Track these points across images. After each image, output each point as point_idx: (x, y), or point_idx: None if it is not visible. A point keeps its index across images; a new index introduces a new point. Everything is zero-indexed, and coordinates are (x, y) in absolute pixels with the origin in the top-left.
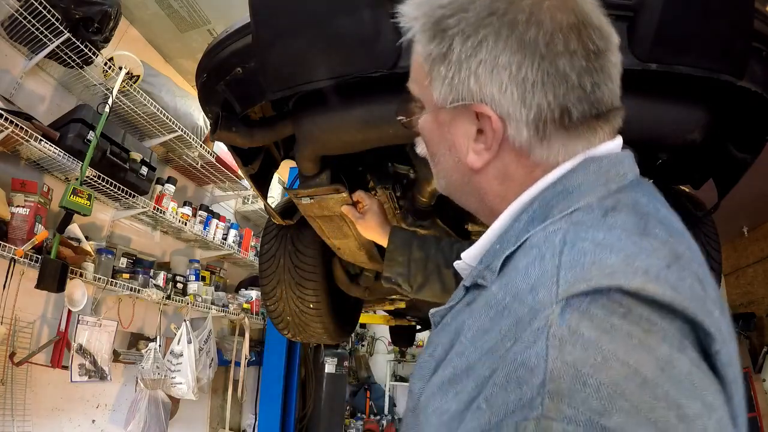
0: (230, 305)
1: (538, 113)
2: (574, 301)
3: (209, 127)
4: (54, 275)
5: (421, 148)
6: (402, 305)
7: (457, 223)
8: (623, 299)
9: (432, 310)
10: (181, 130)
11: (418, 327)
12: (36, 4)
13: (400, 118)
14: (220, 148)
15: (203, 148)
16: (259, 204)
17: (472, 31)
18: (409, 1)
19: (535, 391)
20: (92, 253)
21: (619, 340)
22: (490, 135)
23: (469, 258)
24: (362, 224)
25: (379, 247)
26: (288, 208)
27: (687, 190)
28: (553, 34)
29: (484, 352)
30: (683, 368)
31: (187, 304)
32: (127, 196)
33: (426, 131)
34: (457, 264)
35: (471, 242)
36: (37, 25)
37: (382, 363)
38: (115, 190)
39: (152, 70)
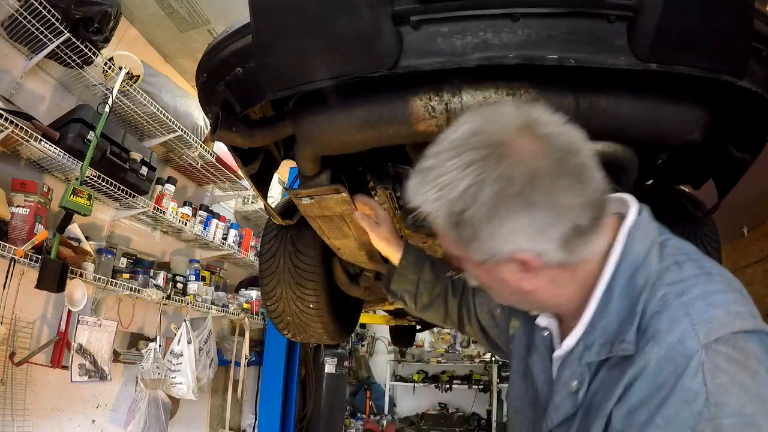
0: (230, 305)
1: (560, 240)
2: (711, 345)
3: (209, 127)
4: (54, 275)
5: (474, 282)
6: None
7: None
8: (733, 337)
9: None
10: (181, 130)
11: (419, 327)
12: (36, 4)
13: (454, 270)
14: (220, 148)
15: (203, 148)
16: (259, 204)
17: (491, 215)
18: (421, 196)
19: (702, 405)
20: (92, 253)
21: (735, 364)
22: (532, 267)
23: (567, 346)
24: (377, 234)
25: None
26: (288, 208)
27: (687, 190)
28: (551, 185)
29: (654, 387)
30: None
31: (187, 304)
32: (127, 196)
33: (476, 275)
34: (556, 354)
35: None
36: (37, 25)
37: (382, 363)
38: (115, 190)
39: (152, 70)
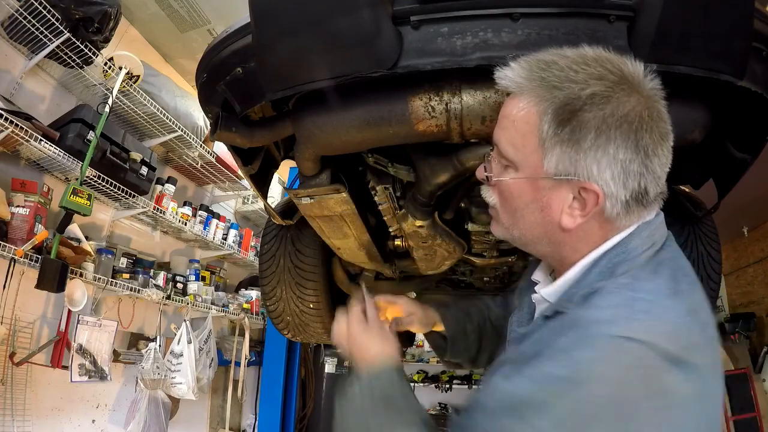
0: (230, 305)
1: (631, 194)
2: (618, 339)
3: (209, 127)
4: (54, 275)
5: (492, 199)
6: None
7: (457, 222)
8: (640, 347)
9: (517, 330)
10: (181, 130)
11: None
12: (36, 4)
13: (486, 175)
14: (220, 148)
15: (203, 148)
16: (259, 204)
17: (606, 129)
18: (532, 80)
19: (565, 371)
20: (92, 253)
21: (622, 365)
22: (590, 205)
23: (548, 294)
24: (418, 326)
25: (383, 254)
26: (288, 208)
27: (687, 190)
28: (657, 143)
29: (548, 340)
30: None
31: (187, 304)
32: (127, 196)
33: (512, 189)
34: (534, 296)
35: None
36: (37, 25)
37: None
38: (115, 190)
39: (152, 70)
